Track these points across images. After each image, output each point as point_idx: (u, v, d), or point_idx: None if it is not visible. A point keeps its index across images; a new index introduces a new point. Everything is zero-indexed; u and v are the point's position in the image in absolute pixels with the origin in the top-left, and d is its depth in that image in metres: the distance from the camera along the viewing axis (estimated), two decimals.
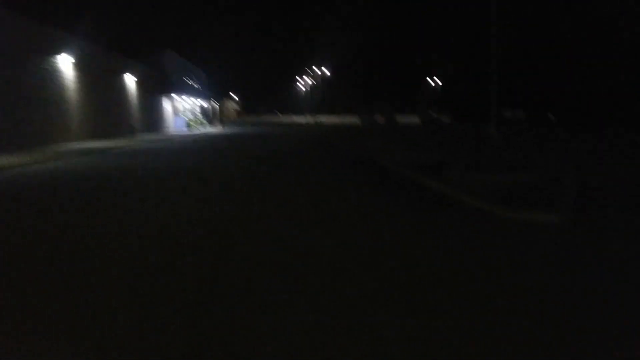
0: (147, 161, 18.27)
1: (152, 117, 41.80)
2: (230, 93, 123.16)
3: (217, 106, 68.94)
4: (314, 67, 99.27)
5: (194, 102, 55.60)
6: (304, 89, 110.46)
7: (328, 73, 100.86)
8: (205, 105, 61.90)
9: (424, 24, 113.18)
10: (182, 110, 50.64)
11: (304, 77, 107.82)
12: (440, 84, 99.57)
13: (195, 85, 58.96)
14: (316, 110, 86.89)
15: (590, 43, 51.25)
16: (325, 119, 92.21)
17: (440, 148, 24.51)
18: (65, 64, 25.40)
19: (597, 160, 17.38)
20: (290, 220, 7.88)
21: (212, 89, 66.99)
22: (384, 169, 14.56)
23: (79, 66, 26.74)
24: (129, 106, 35.58)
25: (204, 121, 58.01)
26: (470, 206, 8.57)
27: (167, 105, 46.55)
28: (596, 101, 52.89)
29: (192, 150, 24.40)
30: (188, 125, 48.67)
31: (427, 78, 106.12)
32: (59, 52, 24.73)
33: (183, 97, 49.97)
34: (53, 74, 24.35)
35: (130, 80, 35.81)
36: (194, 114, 55.24)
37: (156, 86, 42.75)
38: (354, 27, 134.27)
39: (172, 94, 46.81)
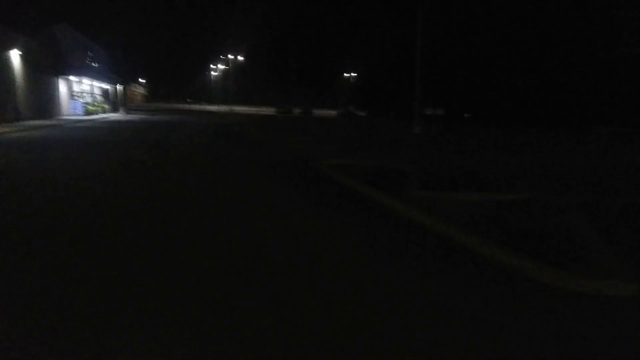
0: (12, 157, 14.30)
1: (43, 100, 36.40)
2: (138, 77, 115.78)
3: (122, 90, 63.14)
4: (227, 55, 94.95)
5: (94, 85, 50.02)
6: (215, 76, 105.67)
7: (242, 59, 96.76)
8: (107, 88, 56.21)
9: (340, 15, 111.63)
10: (80, 93, 45.10)
11: (217, 64, 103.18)
12: (354, 78, 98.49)
13: (96, 65, 53.19)
14: (229, 98, 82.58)
15: (497, 47, 52.03)
16: (239, 108, 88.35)
17: (372, 147, 22.15)
18: None
19: (550, 162, 15.53)
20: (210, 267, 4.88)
21: (116, 72, 61.07)
22: (325, 178, 11.73)
23: None
24: (12, 87, 30.31)
25: (106, 106, 52.50)
26: (477, 254, 5.96)
27: (62, 87, 41.06)
28: (502, 101, 54.26)
29: (76, 141, 20.21)
30: (86, 110, 43.38)
31: (343, 72, 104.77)
32: None
33: (81, 78, 44.50)
34: None
35: (15, 57, 30.54)
36: (93, 97, 49.68)
37: (48, 65, 37.29)
38: (269, 14, 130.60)
39: (69, 75, 41.36)
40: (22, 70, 31.63)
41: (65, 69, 40.34)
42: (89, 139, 21.71)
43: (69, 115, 40.90)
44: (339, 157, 15.51)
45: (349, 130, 38.51)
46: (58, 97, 40.17)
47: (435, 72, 51.04)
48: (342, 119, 65.66)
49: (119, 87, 61.78)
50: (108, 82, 55.02)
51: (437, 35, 51.94)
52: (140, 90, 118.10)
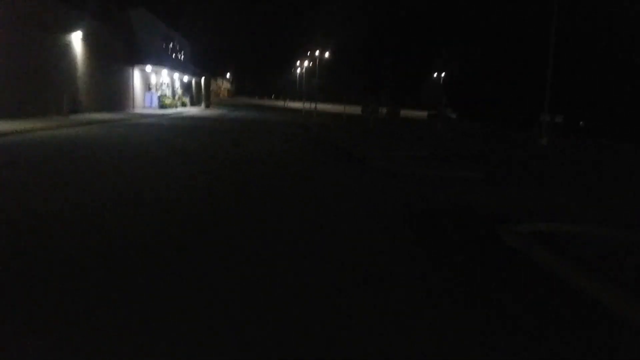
0: None
1: (113, 91, 31.57)
2: (224, 72, 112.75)
3: (205, 84, 58.59)
4: (313, 52, 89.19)
5: (174, 77, 45.34)
6: (300, 73, 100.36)
7: (328, 57, 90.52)
8: (189, 81, 51.59)
9: (434, 11, 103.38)
10: (157, 85, 40.36)
11: (303, 61, 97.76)
12: (444, 78, 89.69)
13: (177, 57, 48.53)
14: (314, 96, 76.69)
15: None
16: (324, 106, 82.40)
17: (533, 172, 15.01)
18: None
19: None
20: None
21: (199, 64, 56.61)
22: (576, 303, 4.84)
23: None
24: (71, 75, 25.40)
25: (185, 99, 47.80)
26: None
27: (137, 78, 36.33)
28: (621, 110, 45.25)
29: (105, 145, 14.34)
30: (162, 104, 38.55)
31: (432, 72, 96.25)
32: None
33: (160, 69, 39.62)
34: None
35: (77, 41, 25.63)
36: (173, 90, 45.00)
37: (121, 52, 32.49)
38: (357, 11, 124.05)
39: (145, 65, 36.51)
40: (86, 57, 26.71)
41: (140, 58, 35.54)
42: (130, 141, 15.90)
43: (142, 109, 36.16)
44: (529, 207, 8.58)
45: (457, 139, 31.17)
46: (132, 89, 35.44)
47: (559, 72, 42.60)
48: (435, 122, 57.98)
49: (201, 80, 57.27)
50: (190, 75, 50.36)
51: (563, 32, 43.54)
52: (226, 85, 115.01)
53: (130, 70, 34.82)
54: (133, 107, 35.30)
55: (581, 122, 54.98)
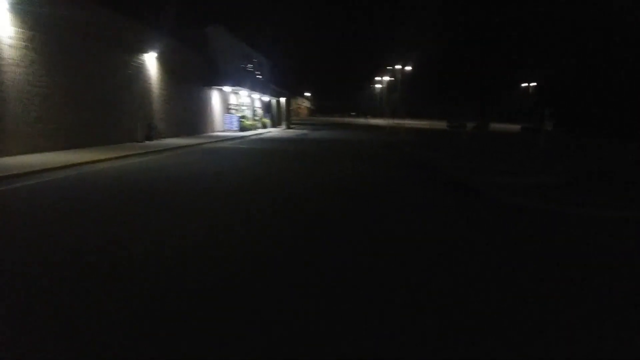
0: None
1: (190, 114, 29.94)
2: (303, 91, 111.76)
3: (285, 103, 56.92)
4: (394, 65, 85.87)
5: (254, 97, 43.70)
6: (381, 89, 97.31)
7: (409, 70, 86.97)
8: (269, 101, 49.93)
9: (521, 18, 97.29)
10: (237, 106, 38.69)
11: (383, 76, 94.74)
12: (533, 88, 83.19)
13: (257, 76, 46.98)
14: (395, 111, 73.34)
15: None
16: (407, 122, 78.85)
17: None
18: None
19: None
20: None
21: (279, 83, 54.92)
22: None
23: (29, 23, 14.80)
24: (146, 99, 23.76)
25: (266, 120, 46.04)
26: None
27: (215, 99, 34.76)
28: None
29: (193, 176, 11.73)
30: (242, 126, 36.72)
31: (520, 82, 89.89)
32: None
33: (239, 89, 37.93)
34: None
35: (152, 61, 24.04)
36: (253, 111, 43.32)
37: (198, 72, 30.95)
38: (441, 24, 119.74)
39: (223, 85, 34.88)
40: (161, 78, 25.10)
41: (219, 78, 33.91)
42: (197, 172, 13.38)
43: (221, 131, 34.46)
44: None
45: (567, 155, 26.70)
46: (210, 111, 33.84)
47: None
48: (532, 136, 52.73)
49: (282, 100, 55.62)
50: (270, 95, 48.66)
51: None
52: (305, 103, 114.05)
53: (208, 91, 33.22)
54: (212, 129, 33.64)
55: None
